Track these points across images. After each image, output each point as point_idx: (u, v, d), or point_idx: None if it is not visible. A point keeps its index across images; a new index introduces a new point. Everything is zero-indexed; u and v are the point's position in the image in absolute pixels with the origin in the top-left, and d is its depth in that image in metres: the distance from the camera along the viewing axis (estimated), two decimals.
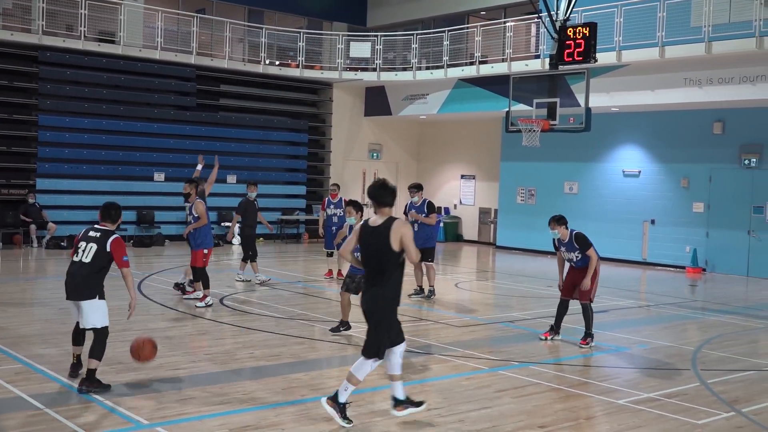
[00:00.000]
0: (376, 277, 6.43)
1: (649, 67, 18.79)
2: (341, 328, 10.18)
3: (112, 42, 21.62)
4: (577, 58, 13.30)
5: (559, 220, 10.05)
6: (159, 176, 22.41)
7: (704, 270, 19.70)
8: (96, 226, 7.49)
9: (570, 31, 13.36)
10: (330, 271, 15.84)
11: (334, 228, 15.18)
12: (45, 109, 20.98)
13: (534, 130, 14.04)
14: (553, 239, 10.18)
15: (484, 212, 26.17)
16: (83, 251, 7.28)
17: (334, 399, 6.49)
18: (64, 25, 21.13)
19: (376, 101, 25.97)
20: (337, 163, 26.08)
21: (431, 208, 13.42)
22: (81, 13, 20.79)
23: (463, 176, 26.79)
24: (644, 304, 14.27)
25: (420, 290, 13.67)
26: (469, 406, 7.22)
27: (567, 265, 10.30)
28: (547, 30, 13.98)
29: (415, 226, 13.03)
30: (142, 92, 22.46)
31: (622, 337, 10.86)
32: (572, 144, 21.77)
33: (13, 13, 20.87)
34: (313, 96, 26.13)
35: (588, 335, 10.16)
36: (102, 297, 7.33)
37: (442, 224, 26.29)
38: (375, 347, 6.44)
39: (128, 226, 21.22)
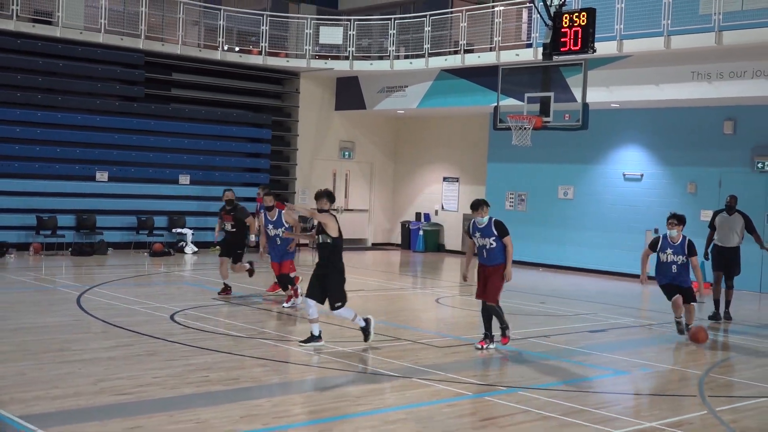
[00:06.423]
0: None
1: (653, 59, 19.01)
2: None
3: (49, 23, 21.45)
4: (573, 48, 13.42)
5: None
6: (101, 176, 22.25)
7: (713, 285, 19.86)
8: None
9: (566, 18, 13.49)
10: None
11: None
12: None
13: (525, 128, 14.13)
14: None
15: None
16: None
17: None
18: None
19: (349, 94, 26.01)
20: (304, 162, 26.08)
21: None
22: None
23: (445, 179, 26.91)
24: (646, 323, 14.38)
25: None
26: None
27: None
28: (540, 16, 14.09)
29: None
30: (82, 80, 22.30)
31: (621, 360, 10.94)
32: (567, 144, 21.95)
33: None
34: (278, 87, 26.13)
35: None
36: None
37: (421, 232, 26.38)
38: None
39: (66, 232, 21.01)
